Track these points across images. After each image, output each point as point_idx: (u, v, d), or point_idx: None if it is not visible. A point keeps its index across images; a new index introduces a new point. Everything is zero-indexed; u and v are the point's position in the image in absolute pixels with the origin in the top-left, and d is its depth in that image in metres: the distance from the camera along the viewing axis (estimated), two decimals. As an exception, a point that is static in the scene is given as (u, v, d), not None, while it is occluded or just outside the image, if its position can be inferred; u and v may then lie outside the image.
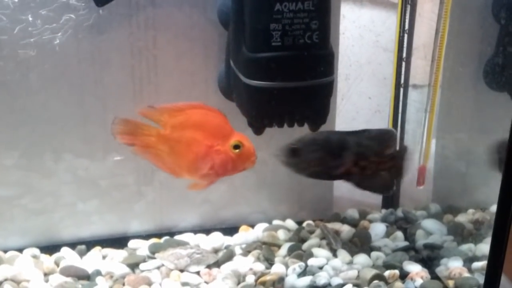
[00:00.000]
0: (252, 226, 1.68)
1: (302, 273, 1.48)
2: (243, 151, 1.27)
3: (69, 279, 1.43)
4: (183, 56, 1.54)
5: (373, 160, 1.28)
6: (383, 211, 1.77)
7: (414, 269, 1.51)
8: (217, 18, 1.51)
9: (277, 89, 1.36)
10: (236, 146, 1.26)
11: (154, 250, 1.55)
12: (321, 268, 1.50)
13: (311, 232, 1.64)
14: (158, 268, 1.49)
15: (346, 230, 1.64)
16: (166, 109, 1.28)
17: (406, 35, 1.61)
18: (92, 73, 1.50)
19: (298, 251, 1.55)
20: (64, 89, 1.50)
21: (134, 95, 1.54)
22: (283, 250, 1.57)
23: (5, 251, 1.53)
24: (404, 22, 1.60)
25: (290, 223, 1.69)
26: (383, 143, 1.28)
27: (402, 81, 1.67)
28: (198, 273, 1.48)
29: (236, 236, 1.63)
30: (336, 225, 1.66)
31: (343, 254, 1.55)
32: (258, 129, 1.47)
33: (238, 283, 1.46)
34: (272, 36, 1.34)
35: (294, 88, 1.38)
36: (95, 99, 1.52)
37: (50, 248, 1.55)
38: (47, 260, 1.51)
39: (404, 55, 1.63)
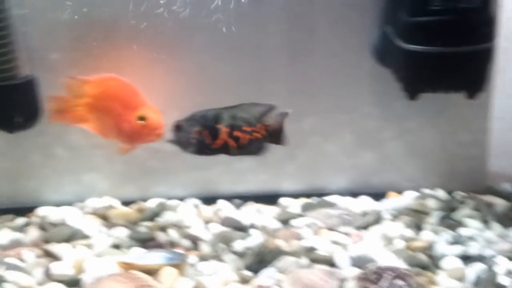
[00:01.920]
0: (400, 193, 1.69)
1: (453, 242, 1.47)
2: (148, 123, 1.38)
3: (226, 229, 1.53)
4: (339, 21, 1.57)
5: (247, 129, 1.34)
6: (541, 188, 1.70)
7: None
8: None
9: (435, 54, 1.36)
10: (141, 118, 1.38)
11: (305, 208, 1.61)
12: (472, 238, 1.48)
13: (463, 203, 1.62)
14: (308, 225, 1.55)
15: (499, 203, 1.60)
16: (87, 80, 1.42)
17: None
18: (250, 37, 1.57)
19: (449, 220, 1.54)
20: (224, 52, 1.59)
21: (290, 59, 1.60)
22: (433, 218, 1.57)
23: (170, 199, 1.66)
24: None
25: (441, 193, 1.68)
26: (256, 113, 1.35)
27: None
28: (347, 233, 1.52)
29: (384, 201, 1.65)
30: (489, 198, 1.63)
31: (495, 227, 1.52)
32: (412, 94, 1.48)
33: (387, 246, 1.47)
34: (432, 0, 1.34)
35: (452, 53, 1.37)
36: (253, 62, 1.60)
37: (209, 200, 1.66)
38: (207, 210, 1.62)
39: None
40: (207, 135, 1.34)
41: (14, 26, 1.49)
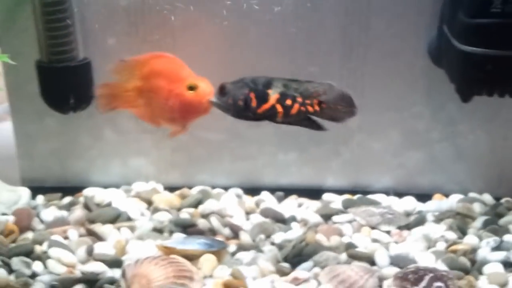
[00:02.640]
0: (446, 195, 1.66)
1: (496, 248, 1.44)
2: (199, 91, 1.34)
3: (267, 220, 1.54)
4: (396, 19, 1.55)
5: (299, 100, 1.29)
6: None
7: None
8: (433, -17, 1.50)
9: (492, 57, 1.34)
10: (191, 87, 1.34)
11: (347, 205, 1.60)
12: (517, 245, 1.45)
13: (510, 209, 1.58)
14: (350, 222, 1.54)
15: (548, 211, 1.56)
16: (135, 61, 1.40)
17: None
18: (306, 30, 1.57)
19: (494, 225, 1.51)
20: (278, 46, 1.59)
21: (343, 55, 1.59)
22: (478, 222, 1.54)
23: (213, 188, 1.68)
24: None
25: (487, 198, 1.64)
26: (312, 89, 1.30)
27: None
28: (388, 232, 1.51)
29: (429, 203, 1.63)
30: (538, 206, 1.59)
31: (542, 235, 1.48)
32: (465, 97, 1.46)
33: (428, 248, 1.46)
34: (492, 3, 1.31)
35: (509, 57, 1.34)
36: (305, 55, 1.59)
37: (251, 190, 1.67)
38: (249, 201, 1.63)
39: None
40: (254, 98, 1.29)
41: (73, 9, 1.52)
